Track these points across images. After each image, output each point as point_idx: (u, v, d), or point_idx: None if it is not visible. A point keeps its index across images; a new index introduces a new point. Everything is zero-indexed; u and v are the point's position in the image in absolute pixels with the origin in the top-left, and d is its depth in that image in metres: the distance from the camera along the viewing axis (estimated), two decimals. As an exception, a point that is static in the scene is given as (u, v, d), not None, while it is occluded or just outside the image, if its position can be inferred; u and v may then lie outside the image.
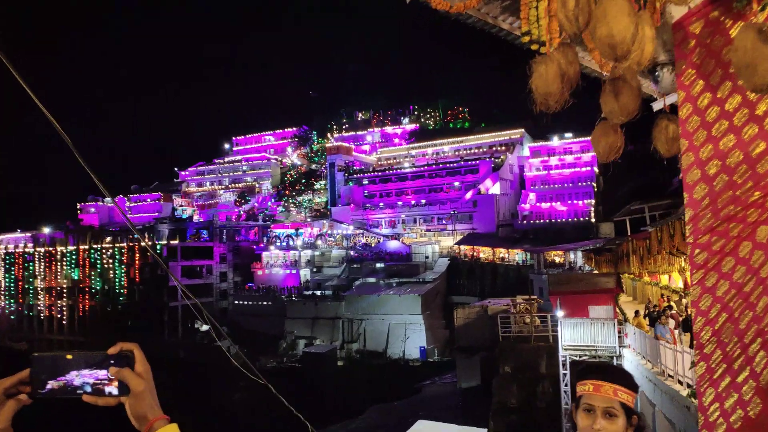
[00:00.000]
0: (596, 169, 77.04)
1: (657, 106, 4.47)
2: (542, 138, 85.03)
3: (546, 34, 3.20)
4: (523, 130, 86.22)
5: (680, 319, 17.10)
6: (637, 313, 20.02)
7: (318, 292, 68.03)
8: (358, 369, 53.75)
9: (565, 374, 20.81)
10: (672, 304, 19.77)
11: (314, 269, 74.78)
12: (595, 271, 36.15)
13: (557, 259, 60.51)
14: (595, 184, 74.52)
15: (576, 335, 20.83)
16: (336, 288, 67.43)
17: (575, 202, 72.79)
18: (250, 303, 71.17)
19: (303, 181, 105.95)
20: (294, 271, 75.86)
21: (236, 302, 73.12)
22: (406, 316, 57.55)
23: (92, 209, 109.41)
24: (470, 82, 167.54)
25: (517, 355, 25.58)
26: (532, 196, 76.46)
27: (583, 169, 76.48)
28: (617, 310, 21.18)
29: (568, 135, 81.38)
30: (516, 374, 25.51)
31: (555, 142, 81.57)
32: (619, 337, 20.28)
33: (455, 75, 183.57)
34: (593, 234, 66.25)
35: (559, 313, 20.93)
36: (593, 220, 70.11)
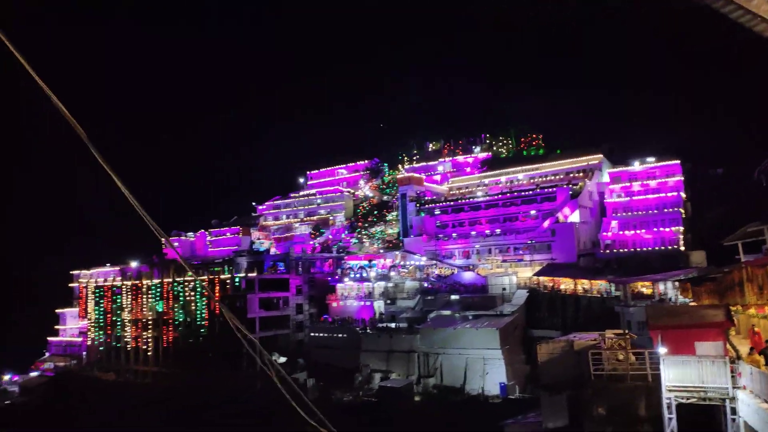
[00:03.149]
0: (683, 195, 72.87)
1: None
2: (622, 163, 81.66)
3: None
4: (601, 155, 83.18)
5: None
6: (752, 350, 17.99)
7: (392, 325, 67.22)
8: (436, 405, 52.18)
9: (670, 418, 18.89)
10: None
11: (388, 301, 74.17)
12: (693, 303, 33.48)
13: (644, 291, 57.04)
14: (682, 210, 70.35)
15: (681, 375, 18.91)
16: (410, 320, 66.41)
17: (661, 229, 68.81)
18: (325, 335, 71.18)
19: (375, 212, 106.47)
20: (368, 303, 75.57)
21: (312, 334, 73.37)
22: (483, 350, 55.62)
23: (175, 243, 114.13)
24: (543, 109, 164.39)
25: (612, 395, 23.68)
26: (614, 223, 72.97)
27: (669, 194, 72.43)
28: (728, 346, 19.14)
29: (650, 159, 77.73)
30: (611, 416, 23.59)
31: (636, 166, 77.94)
32: (733, 377, 18.25)
33: (527, 101, 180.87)
34: (683, 263, 62.28)
35: (661, 350, 19.11)
36: (682, 248, 66.04)
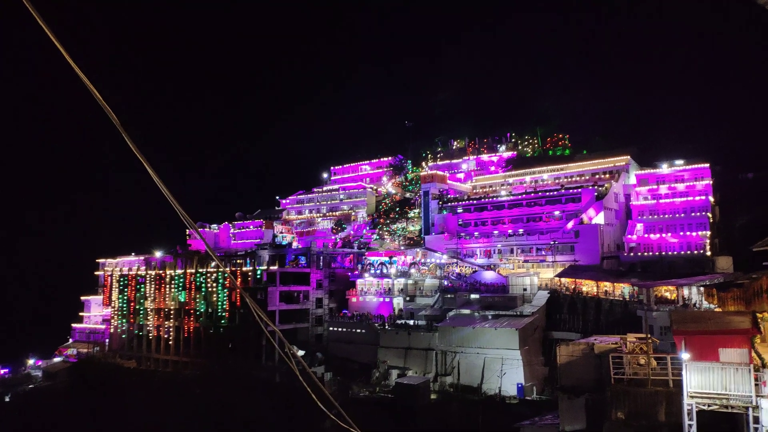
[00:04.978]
0: (711, 199, 71.42)
1: None
2: (650, 165, 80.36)
3: None
4: (628, 156, 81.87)
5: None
6: (778, 359, 17.51)
7: (411, 322, 67.13)
8: (453, 403, 52.00)
9: (690, 425, 18.50)
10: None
11: (407, 298, 74.08)
12: (718, 309, 32.76)
13: (668, 295, 56.12)
14: (710, 215, 68.98)
15: (704, 381, 18.51)
16: (429, 318, 66.24)
17: (688, 233, 67.61)
18: (344, 330, 71.39)
19: (397, 209, 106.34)
20: (387, 299, 75.56)
21: (331, 328, 73.64)
22: (502, 350, 55.29)
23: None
24: (571, 108, 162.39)
25: (632, 399, 23.26)
26: (639, 226, 71.85)
27: (697, 198, 71.12)
28: (753, 354, 18.67)
29: (679, 162, 76.41)
30: (630, 421, 23.17)
31: (665, 169, 76.63)
32: (757, 385, 17.79)
33: (554, 101, 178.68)
34: (709, 268, 61.23)
35: (685, 356, 18.71)
36: (709, 253, 64.82)
